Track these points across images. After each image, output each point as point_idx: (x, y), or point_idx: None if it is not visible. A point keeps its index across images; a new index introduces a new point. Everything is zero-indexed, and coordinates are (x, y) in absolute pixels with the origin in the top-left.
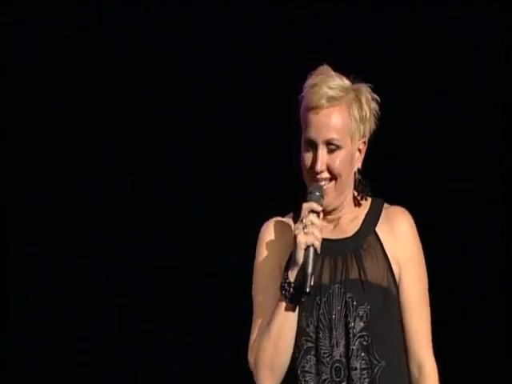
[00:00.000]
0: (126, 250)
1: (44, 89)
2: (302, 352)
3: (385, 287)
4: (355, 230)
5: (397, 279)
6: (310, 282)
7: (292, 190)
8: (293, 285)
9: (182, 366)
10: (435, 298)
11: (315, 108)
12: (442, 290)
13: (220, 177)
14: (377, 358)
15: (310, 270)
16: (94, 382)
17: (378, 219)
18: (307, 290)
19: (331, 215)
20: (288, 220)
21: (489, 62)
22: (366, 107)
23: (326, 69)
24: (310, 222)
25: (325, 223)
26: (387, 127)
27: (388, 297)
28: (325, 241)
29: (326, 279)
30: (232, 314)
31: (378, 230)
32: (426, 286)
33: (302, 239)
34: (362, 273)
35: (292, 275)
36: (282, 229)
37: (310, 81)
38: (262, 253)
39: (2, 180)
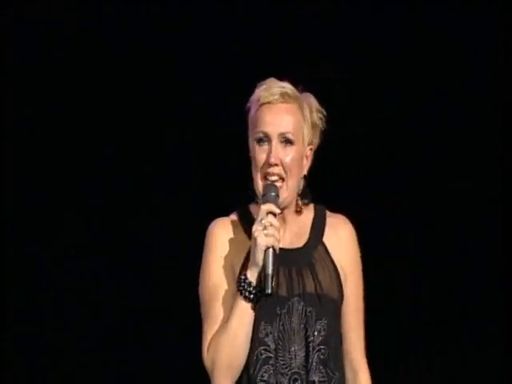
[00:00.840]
0: (126, 250)
1: (44, 89)
2: (261, 361)
3: (335, 299)
4: (304, 240)
5: (343, 289)
6: (271, 282)
7: None
8: (253, 285)
9: (181, 366)
10: (435, 298)
11: (269, 103)
12: (442, 289)
13: (220, 177)
14: (332, 370)
15: (270, 271)
16: (94, 382)
17: (324, 229)
18: (269, 291)
19: (278, 219)
20: (234, 220)
21: (489, 62)
22: (315, 115)
23: (273, 79)
24: (269, 224)
25: None
26: (387, 127)
27: (338, 308)
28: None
29: (283, 291)
30: None
31: (324, 239)
32: (363, 295)
33: (263, 241)
34: (317, 286)
35: (252, 275)
36: (230, 229)
37: (258, 89)
38: (214, 253)
39: (2, 180)
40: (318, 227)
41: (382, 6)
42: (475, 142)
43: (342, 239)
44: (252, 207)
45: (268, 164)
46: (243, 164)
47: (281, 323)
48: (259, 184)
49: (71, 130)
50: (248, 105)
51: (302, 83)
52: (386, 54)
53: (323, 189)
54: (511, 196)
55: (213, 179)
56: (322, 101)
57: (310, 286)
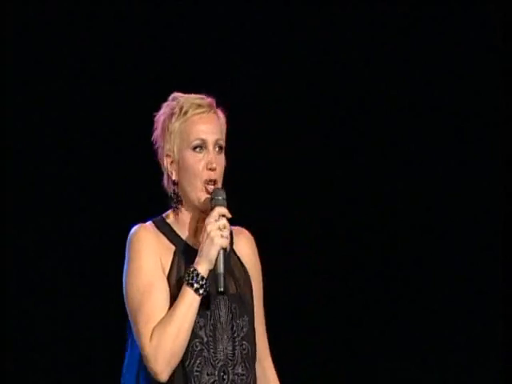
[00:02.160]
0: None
1: (44, 89)
2: (196, 353)
3: (251, 301)
4: None
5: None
6: (224, 281)
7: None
8: (205, 279)
9: None
10: (435, 298)
11: (200, 113)
12: (442, 289)
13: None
14: (251, 364)
15: (222, 270)
16: (94, 382)
17: (233, 237)
18: (221, 289)
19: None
20: (153, 227)
21: (489, 62)
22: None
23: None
24: (223, 226)
25: (191, 235)
26: (387, 127)
27: (252, 309)
28: (192, 249)
29: (212, 288)
30: None
31: (234, 247)
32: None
33: (219, 242)
34: (238, 287)
35: (204, 271)
36: (153, 233)
37: (177, 101)
38: (143, 254)
39: (2, 180)
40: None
41: (381, 5)
42: (475, 142)
43: (246, 247)
44: (167, 216)
45: (207, 169)
46: (243, 164)
47: (211, 318)
48: (199, 190)
49: (71, 129)
50: (164, 117)
51: (293, 85)
52: (386, 54)
53: (322, 190)
54: (511, 196)
55: None
56: (322, 103)
57: (232, 287)
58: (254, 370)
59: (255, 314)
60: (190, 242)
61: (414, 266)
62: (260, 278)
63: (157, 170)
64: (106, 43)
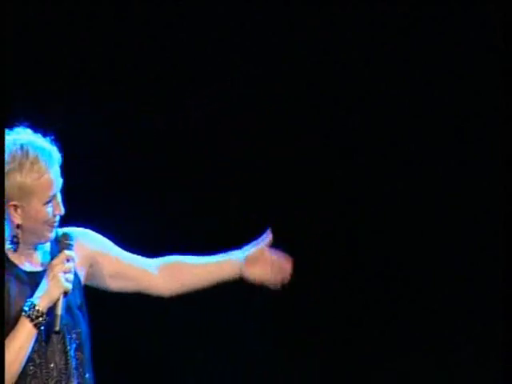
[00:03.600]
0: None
1: (44, 89)
2: (29, 377)
3: (84, 310)
4: (46, 261)
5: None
6: (60, 322)
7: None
8: (44, 316)
9: (181, 366)
10: (435, 298)
11: (44, 174)
12: (442, 289)
13: (221, 177)
14: (85, 372)
15: (60, 311)
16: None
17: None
18: (57, 329)
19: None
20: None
21: (489, 62)
22: None
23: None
24: (68, 270)
25: (26, 260)
26: (387, 127)
27: (86, 317)
28: (25, 273)
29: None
30: (231, 314)
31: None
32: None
33: (64, 285)
34: (67, 303)
35: (43, 307)
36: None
37: (27, 156)
38: None
39: (2, 179)
40: (55, 248)
41: (381, 5)
42: (475, 142)
43: (79, 249)
44: (9, 253)
45: (54, 215)
46: (243, 164)
47: (42, 339)
48: (46, 230)
49: (70, 129)
50: (11, 170)
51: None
52: (386, 54)
53: (322, 190)
54: (511, 196)
55: (214, 179)
56: (317, 102)
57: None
58: (90, 375)
59: (118, 261)
60: (23, 267)
61: (414, 266)
62: (106, 248)
63: (156, 169)
64: (106, 43)
